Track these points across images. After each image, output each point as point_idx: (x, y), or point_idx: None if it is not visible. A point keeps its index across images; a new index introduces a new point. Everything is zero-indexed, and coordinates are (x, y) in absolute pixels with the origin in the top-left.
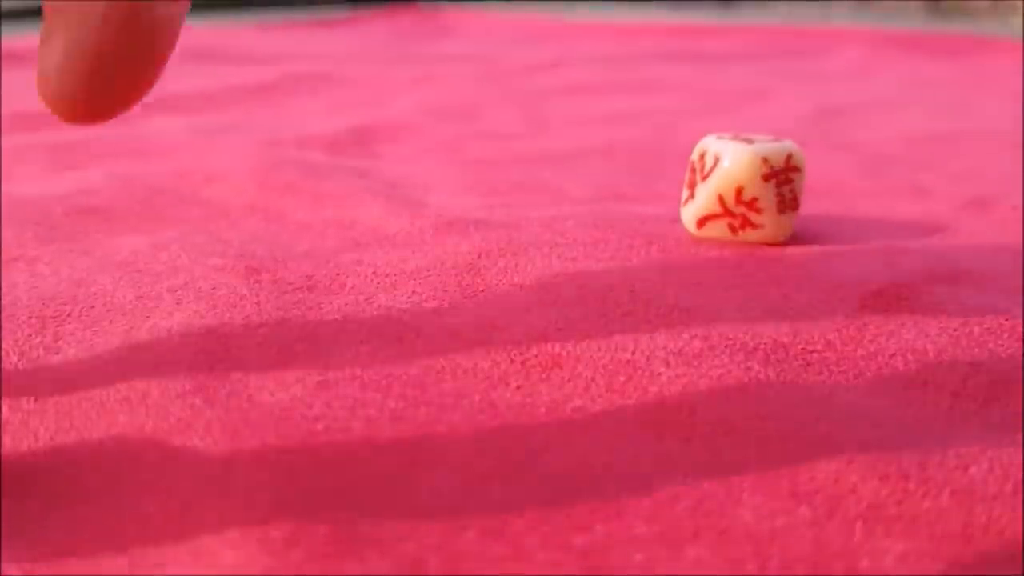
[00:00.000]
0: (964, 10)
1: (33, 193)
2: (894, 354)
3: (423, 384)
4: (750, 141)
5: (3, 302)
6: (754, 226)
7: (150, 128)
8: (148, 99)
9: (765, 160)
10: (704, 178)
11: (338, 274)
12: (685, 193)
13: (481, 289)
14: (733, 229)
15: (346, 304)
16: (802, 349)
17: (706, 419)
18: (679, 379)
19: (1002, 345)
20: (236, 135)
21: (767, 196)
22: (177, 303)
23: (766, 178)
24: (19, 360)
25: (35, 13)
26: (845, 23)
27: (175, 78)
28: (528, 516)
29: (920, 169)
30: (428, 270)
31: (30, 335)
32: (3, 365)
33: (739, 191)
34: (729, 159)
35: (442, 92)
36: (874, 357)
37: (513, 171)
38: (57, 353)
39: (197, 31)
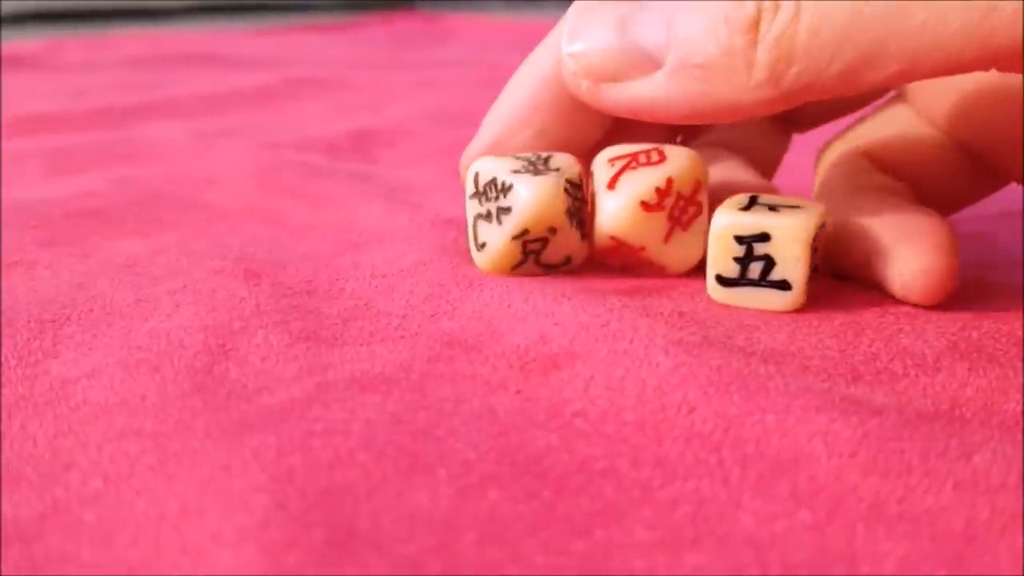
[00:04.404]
0: None
1: (32, 197)
2: (892, 358)
3: (422, 389)
4: (543, 169)
5: (2, 306)
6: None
7: (149, 132)
8: (147, 103)
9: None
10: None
11: (337, 279)
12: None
13: (478, 279)
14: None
15: (345, 308)
16: (799, 354)
17: (705, 416)
18: (678, 369)
19: (1001, 350)
20: (235, 139)
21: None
22: (176, 305)
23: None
24: (18, 364)
25: (36, 18)
26: None
27: (173, 83)
28: (527, 520)
29: None
30: (424, 264)
31: (29, 339)
32: (2, 369)
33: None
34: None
35: (441, 97)
36: (872, 361)
37: None
38: (56, 357)
39: (195, 36)
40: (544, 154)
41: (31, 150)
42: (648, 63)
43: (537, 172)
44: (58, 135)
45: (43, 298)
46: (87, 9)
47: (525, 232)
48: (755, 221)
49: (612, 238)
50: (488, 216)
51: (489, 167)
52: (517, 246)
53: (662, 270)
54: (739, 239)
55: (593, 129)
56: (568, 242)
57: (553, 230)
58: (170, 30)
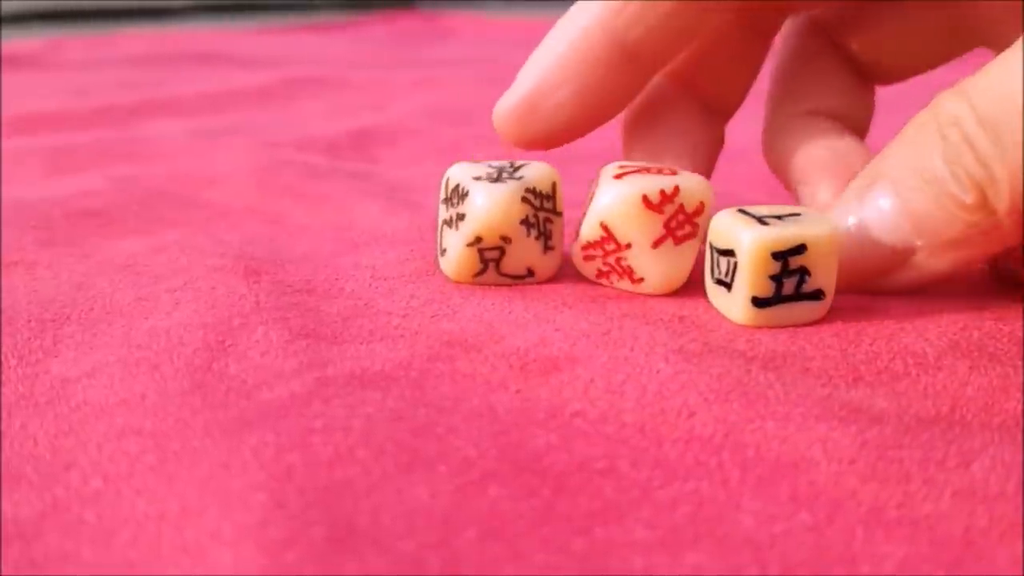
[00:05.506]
0: None
1: (32, 196)
2: (893, 358)
3: (422, 386)
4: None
5: (2, 306)
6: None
7: (150, 131)
8: (147, 102)
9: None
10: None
11: (336, 278)
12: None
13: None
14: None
15: (344, 307)
16: (800, 354)
17: (704, 421)
18: (678, 376)
19: (1002, 349)
20: (236, 138)
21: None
22: (176, 303)
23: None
24: (18, 364)
25: (37, 17)
26: None
27: (174, 82)
28: (527, 517)
29: None
30: (426, 267)
31: (29, 339)
32: (2, 368)
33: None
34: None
35: (442, 95)
36: (873, 361)
37: None
38: (56, 356)
39: (196, 34)
40: (520, 162)
41: (31, 149)
42: (901, 254)
43: (497, 179)
44: (58, 134)
45: (43, 297)
46: (88, 8)
47: (479, 239)
48: (793, 233)
49: (602, 225)
50: (450, 222)
51: (458, 173)
52: (474, 253)
53: (639, 283)
54: (776, 255)
55: (631, 91)
56: (527, 253)
57: (507, 239)
58: (170, 29)
